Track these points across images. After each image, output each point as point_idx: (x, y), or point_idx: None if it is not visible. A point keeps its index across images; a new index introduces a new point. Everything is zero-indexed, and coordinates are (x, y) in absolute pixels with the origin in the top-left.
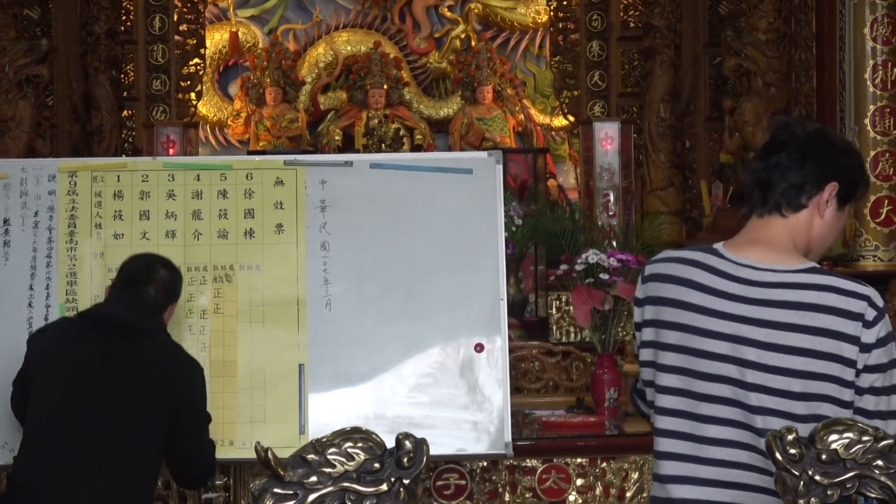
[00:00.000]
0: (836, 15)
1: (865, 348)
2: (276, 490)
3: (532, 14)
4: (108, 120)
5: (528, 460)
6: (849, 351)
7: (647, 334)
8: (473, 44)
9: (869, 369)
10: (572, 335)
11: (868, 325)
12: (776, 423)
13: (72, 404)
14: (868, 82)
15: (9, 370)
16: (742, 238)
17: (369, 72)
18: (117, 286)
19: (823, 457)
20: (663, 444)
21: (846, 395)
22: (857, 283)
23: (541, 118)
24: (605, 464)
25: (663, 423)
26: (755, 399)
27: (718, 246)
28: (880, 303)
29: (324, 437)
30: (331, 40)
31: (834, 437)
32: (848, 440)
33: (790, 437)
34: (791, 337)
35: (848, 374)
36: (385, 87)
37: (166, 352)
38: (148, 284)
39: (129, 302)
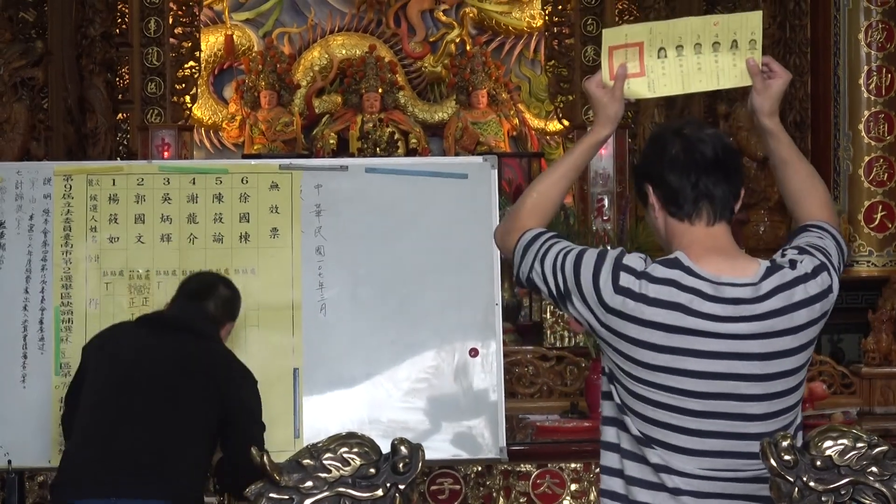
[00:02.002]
0: (831, 21)
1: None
2: (271, 495)
3: (527, 18)
4: (102, 123)
5: (522, 465)
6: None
7: (628, 349)
8: (468, 48)
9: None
10: (566, 340)
11: (829, 290)
12: (778, 423)
13: (117, 394)
14: (862, 88)
15: (4, 372)
16: (699, 248)
17: (364, 75)
18: (177, 299)
19: (818, 463)
20: (653, 455)
21: None
22: (799, 255)
23: (535, 122)
24: (599, 469)
25: (652, 432)
26: (759, 408)
27: (686, 260)
28: (821, 258)
29: (319, 442)
30: (326, 44)
31: (828, 443)
32: (842, 447)
33: (785, 444)
34: (783, 341)
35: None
36: (380, 90)
37: (220, 354)
38: (207, 300)
39: (186, 309)
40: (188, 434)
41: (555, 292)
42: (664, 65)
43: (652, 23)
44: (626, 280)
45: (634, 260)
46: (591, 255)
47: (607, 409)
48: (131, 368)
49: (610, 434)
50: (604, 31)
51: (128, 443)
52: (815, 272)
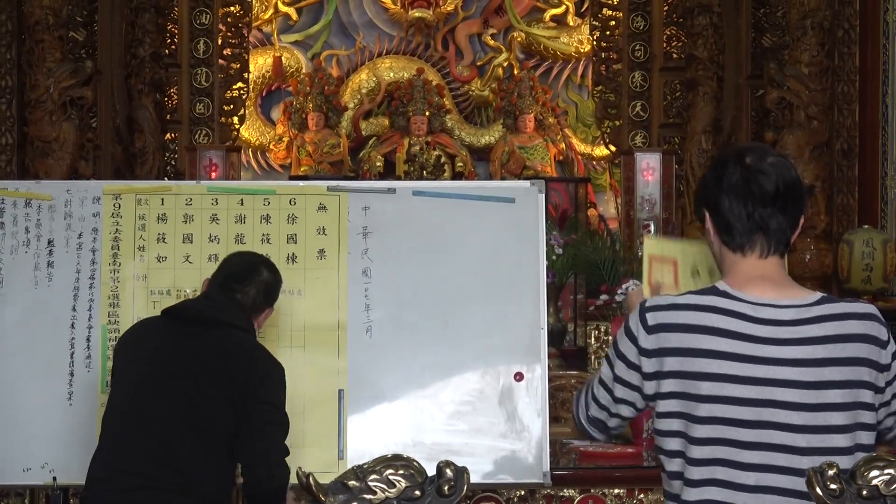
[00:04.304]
0: (880, 49)
1: (886, 367)
2: None
3: (575, 43)
4: (150, 142)
5: (565, 490)
6: (873, 376)
7: (669, 385)
8: (516, 72)
9: (890, 383)
10: None
11: (883, 345)
12: (823, 461)
13: (147, 397)
14: None
15: (49, 389)
16: (743, 276)
17: (411, 98)
18: (216, 282)
19: (864, 493)
20: (698, 494)
21: (873, 418)
22: (860, 303)
23: (582, 147)
24: (642, 495)
25: (700, 473)
26: (803, 440)
27: (724, 287)
28: (880, 316)
29: (365, 464)
30: (374, 66)
31: (875, 472)
32: (889, 476)
33: (831, 473)
34: (827, 371)
35: (876, 398)
36: (427, 113)
37: (241, 341)
38: (249, 284)
39: (215, 299)
40: (215, 438)
41: (612, 389)
42: (696, 283)
43: (684, 244)
44: (653, 317)
45: (658, 299)
46: (620, 330)
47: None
48: (156, 370)
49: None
50: (644, 239)
51: (154, 450)
52: (877, 320)
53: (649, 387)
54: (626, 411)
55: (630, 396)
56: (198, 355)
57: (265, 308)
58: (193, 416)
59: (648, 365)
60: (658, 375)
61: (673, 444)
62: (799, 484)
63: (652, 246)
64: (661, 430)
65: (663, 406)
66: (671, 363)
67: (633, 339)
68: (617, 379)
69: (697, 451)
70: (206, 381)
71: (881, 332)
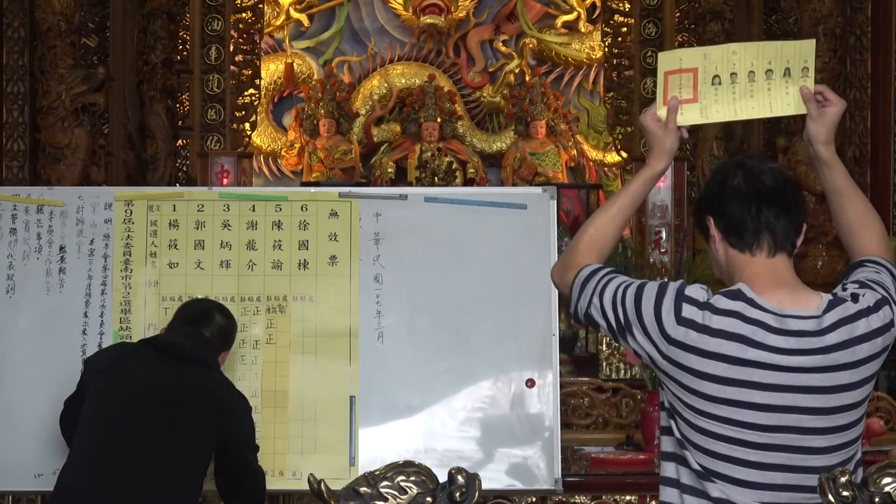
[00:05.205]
0: (892, 55)
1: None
2: None
3: (586, 50)
4: (162, 149)
5: (577, 496)
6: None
7: (685, 378)
8: (527, 78)
9: None
10: (622, 372)
11: (894, 324)
12: (839, 457)
13: (124, 418)
14: None
15: (62, 395)
16: (762, 280)
17: (423, 105)
18: (174, 324)
19: (876, 500)
20: (714, 489)
21: None
22: (860, 289)
23: (593, 154)
24: (654, 501)
25: (714, 465)
26: (824, 440)
27: (749, 292)
28: (882, 292)
29: (377, 470)
30: (385, 73)
31: (888, 479)
32: None
33: (843, 480)
34: (845, 375)
35: None
36: (439, 120)
37: (218, 384)
38: (204, 327)
39: (188, 335)
40: (187, 463)
41: (614, 325)
42: (717, 91)
43: (706, 48)
44: (688, 311)
45: (696, 291)
46: (651, 288)
47: (666, 444)
48: (134, 395)
49: (669, 469)
50: (659, 55)
51: (126, 470)
52: (877, 306)
53: (666, 366)
54: (625, 346)
55: (639, 350)
56: (179, 386)
57: (222, 350)
58: (176, 440)
59: (671, 351)
60: (680, 366)
61: (671, 434)
62: (815, 481)
63: (668, 61)
64: (665, 427)
65: (674, 389)
66: (696, 362)
67: (660, 321)
68: (629, 332)
69: (712, 445)
70: (187, 410)
71: (886, 315)
